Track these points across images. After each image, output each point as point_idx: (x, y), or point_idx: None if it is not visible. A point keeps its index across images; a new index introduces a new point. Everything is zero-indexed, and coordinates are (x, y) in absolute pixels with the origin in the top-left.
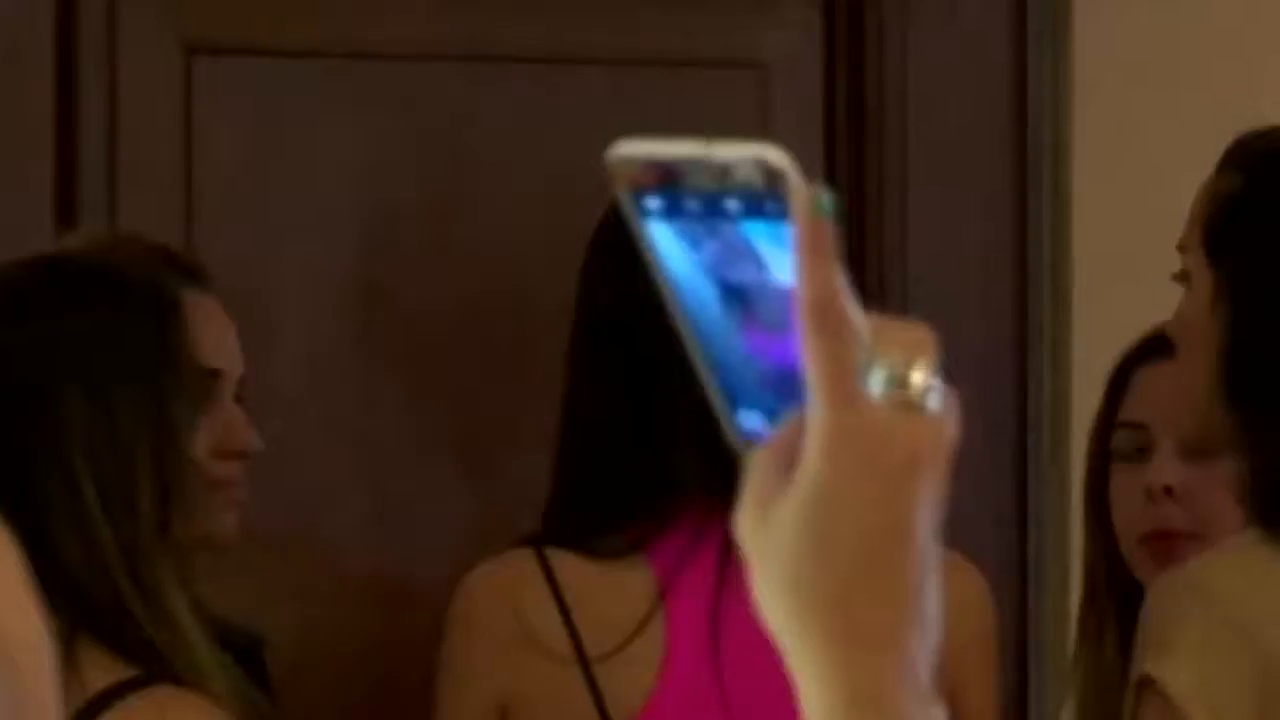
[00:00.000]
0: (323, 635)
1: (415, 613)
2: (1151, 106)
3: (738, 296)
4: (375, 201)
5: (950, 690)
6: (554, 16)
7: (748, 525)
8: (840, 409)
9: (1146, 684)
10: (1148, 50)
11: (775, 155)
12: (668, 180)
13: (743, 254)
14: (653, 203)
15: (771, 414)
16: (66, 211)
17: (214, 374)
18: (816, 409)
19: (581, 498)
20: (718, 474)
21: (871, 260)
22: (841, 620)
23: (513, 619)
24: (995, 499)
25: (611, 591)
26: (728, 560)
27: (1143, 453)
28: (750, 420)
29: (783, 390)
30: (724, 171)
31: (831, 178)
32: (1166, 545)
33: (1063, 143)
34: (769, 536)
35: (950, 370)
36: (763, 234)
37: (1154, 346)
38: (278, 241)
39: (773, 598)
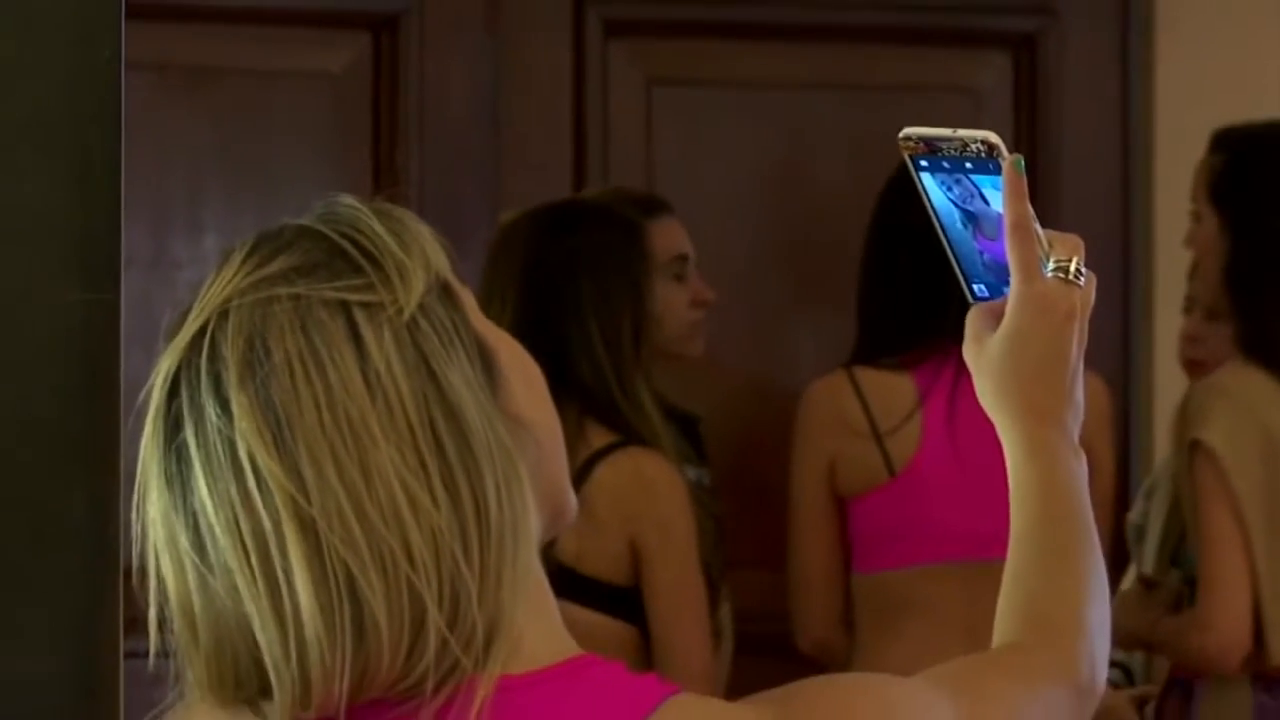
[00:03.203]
0: (725, 416)
1: (778, 404)
2: (1214, 117)
3: (972, 218)
4: (751, 183)
5: (1086, 447)
6: (827, 60)
7: (971, 351)
8: (1028, 284)
9: (1195, 444)
10: (1213, 76)
11: (994, 136)
12: (931, 149)
13: (974, 194)
14: (923, 163)
15: (990, 286)
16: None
17: (686, 258)
18: (1014, 283)
19: (875, 339)
20: (952, 326)
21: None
22: (1026, 404)
23: (833, 411)
24: (1107, 343)
25: (892, 393)
26: (960, 377)
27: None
28: (979, 289)
29: (998, 273)
30: (964, 145)
31: None
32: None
33: (1149, 144)
34: (984, 358)
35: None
36: (986, 183)
37: None
38: (699, 198)
39: (986, 393)
